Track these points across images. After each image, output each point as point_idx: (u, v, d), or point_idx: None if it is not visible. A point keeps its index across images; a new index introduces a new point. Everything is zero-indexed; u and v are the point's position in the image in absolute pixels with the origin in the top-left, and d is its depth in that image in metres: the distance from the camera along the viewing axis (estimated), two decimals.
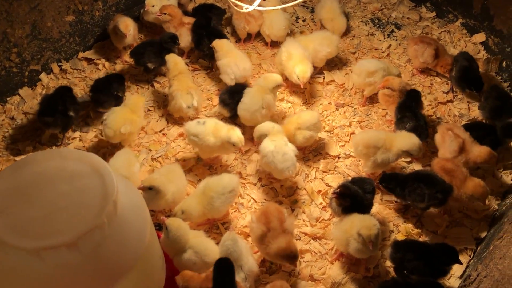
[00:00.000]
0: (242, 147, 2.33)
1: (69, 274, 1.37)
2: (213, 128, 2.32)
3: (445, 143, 2.40)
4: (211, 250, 1.95)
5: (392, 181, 2.25)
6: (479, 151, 2.34)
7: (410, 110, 2.51)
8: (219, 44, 2.77)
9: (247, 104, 2.53)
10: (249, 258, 1.95)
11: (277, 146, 2.27)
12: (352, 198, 2.05)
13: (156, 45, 2.85)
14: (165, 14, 2.98)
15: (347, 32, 3.35)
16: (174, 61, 2.66)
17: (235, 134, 2.29)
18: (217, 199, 2.11)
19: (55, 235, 1.35)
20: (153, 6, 3.09)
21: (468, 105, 2.89)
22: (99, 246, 1.40)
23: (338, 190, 2.08)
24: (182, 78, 2.62)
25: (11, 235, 1.34)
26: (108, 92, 2.66)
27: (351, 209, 2.05)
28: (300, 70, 2.65)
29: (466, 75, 2.77)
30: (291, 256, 1.91)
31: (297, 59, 2.71)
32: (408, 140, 2.31)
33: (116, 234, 1.45)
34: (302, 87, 2.71)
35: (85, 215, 1.39)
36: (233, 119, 2.69)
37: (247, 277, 1.90)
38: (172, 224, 1.91)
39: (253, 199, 2.39)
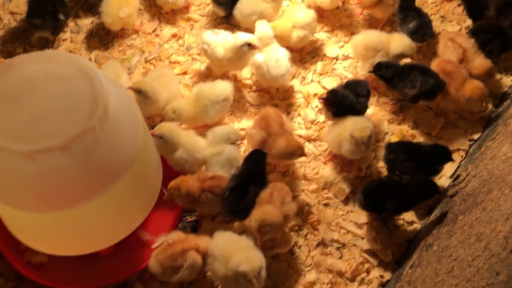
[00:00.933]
0: (259, 46, 2.21)
1: (62, 176, 1.40)
2: (224, 41, 2.23)
3: (445, 54, 2.32)
4: (202, 147, 1.99)
5: (388, 69, 2.20)
6: (479, 64, 2.26)
7: (412, 9, 2.41)
8: None
9: (242, 5, 2.43)
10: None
11: (268, 54, 2.21)
12: (339, 104, 2.04)
13: None
14: None
15: None
16: None
17: (246, 35, 2.20)
18: (210, 107, 2.09)
19: (47, 138, 1.36)
20: None
21: None
22: (92, 149, 1.42)
23: (325, 96, 2.07)
24: None
25: (4, 139, 1.35)
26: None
27: (342, 113, 2.05)
28: None
29: None
30: (298, 150, 1.95)
31: None
32: (399, 42, 2.25)
33: (109, 137, 1.47)
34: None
35: (76, 118, 1.39)
36: (227, 19, 2.59)
37: None
38: (163, 127, 1.92)
39: (249, 102, 2.38)
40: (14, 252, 1.85)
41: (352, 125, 1.98)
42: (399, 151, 2.01)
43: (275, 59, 2.21)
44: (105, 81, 1.48)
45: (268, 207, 1.77)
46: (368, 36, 2.32)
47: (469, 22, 2.61)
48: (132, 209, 1.73)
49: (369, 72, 2.25)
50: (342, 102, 2.05)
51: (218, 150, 1.97)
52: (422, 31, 2.32)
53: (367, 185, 1.96)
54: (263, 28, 2.27)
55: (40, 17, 2.40)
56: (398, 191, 1.89)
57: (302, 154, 1.98)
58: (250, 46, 2.18)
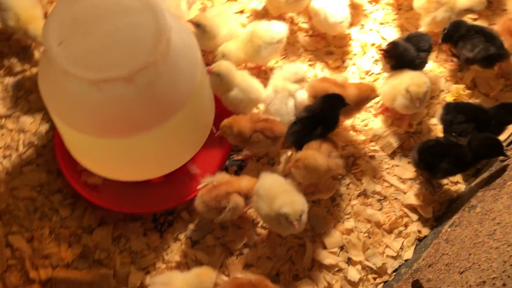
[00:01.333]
0: None
1: (124, 105, 1.47)
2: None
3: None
4: (256, 87, 2.02)
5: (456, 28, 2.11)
6: None
7: None
8: None
9: None
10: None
11: (327, 0, 2.15)
12: (399, 57, 2.00)
13: None
14: None
15: None
16: None
17: None
18: (264, 48, 2.08)
19: (112, 68, 1.42)
20: None
21: None
22: (153, 82, 1.47)
23: (385, 48, 2.02)
24: None
25: (73, 66, 1.42)
26: None
27: (400, 67, 2.01)
28: None
29: None
30: (371, 93, 2.01)
31: None
32: None
33: (169, 72, 1.51)
34: None
35: (140, 51, 1.44)
36: None
37: None
38: (221, 65, 1.94)
39: (303, 46, 2.36)
40: (72, 172, 1.98)
41: (409, 79, 1.94)
42: (458, 112, 1.95)
43: (334, 5, 2.17)
44: (169, 17, 1.50)
45: (312, 152, 1.80)
46: None
47: None
48: (185, 143, 1.80)
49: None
50: (403, 55, 2.00)
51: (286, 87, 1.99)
52: None
53: (423, 143, 1.93)
54: None
55: None
56: (455, 152, 1.86)
57: (376, 94, 2.00)
58: None
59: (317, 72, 2.29)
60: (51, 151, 2.08)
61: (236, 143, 1.96)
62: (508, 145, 2.01)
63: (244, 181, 1.84)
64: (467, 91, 2.23)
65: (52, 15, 1.47)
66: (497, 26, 2.19)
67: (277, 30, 2.13)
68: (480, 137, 1.87)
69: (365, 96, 1.99)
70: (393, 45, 2.03)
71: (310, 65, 2.31)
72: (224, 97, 2.00)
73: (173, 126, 1.60)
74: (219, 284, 1.72)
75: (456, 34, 2.11)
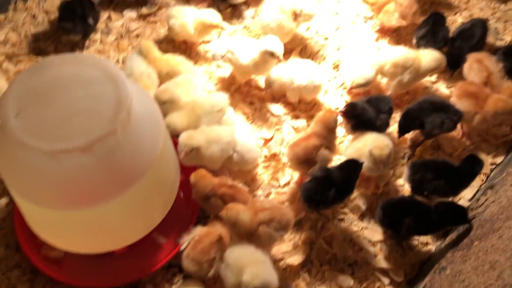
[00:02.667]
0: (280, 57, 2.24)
1: (83, 176, 1.44)
2: (247, 48, 2.26)
3: (470, 76, 2.29)
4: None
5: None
6: (507, 87, 2.22)
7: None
8: None
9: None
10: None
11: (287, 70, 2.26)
12: (358, 117, 2.06)
13: None
14: None
15: None
16: None
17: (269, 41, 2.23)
18: (203, 117, 2.09)
19: (70, 139, 1.40)
20: None
21: (504, 25, 2.72)
22: (113, 152, 1.45)
23: (344, 108, 2.09)
24: None
25: (30, 136, 1.40)
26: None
27: (361, 127, 2.06)
28: None
29: None
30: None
31: None
32: (430, 56, 2.25)
33: (130, 141, 1.50)
34: None
35: (99, 121, 1.43)
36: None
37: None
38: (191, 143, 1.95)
39: (270, 111, 2.39)
40: (31, 246, 1.90)
41: (371, 142, 1.97)
42: (425, 170, 1.96)
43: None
44: (130, 86, 1.52)
45: (240, 207, 1.77)
46: (396, 53, 2.31)
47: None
48: (149, 212, 1.76)
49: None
50: (361, 114, 2.05)
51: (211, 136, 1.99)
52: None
53: (388, 200, 1.95)
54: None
55: (70, 21, 2.47)
56: (419, 210, 1.87)
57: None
58: (272, 55, 2.21)
59: (284, 136, 2.31)
60: (10, 225, 2.00)
61: (196, 198, 1.93)
62: (474, 203, 2.03)
63: (219, 227, 1.82)
64: (431, 151, 2.27)
65: (10, 87, 1.47)
66: (455, 89, 2.27)
67: (217, 100, 2.15)
68: (445, 204, 1.89)
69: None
70: (351, 106, 2.09)
71: (277, 129, 2.34)
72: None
73: (135, 194, 1.57)
74: None
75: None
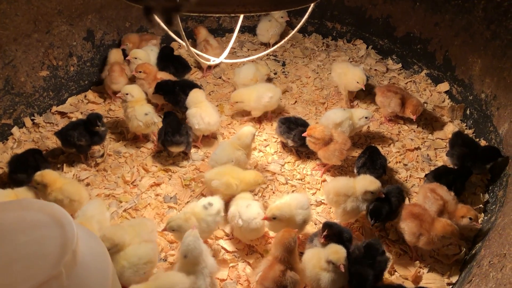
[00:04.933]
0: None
1: None
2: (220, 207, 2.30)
3: (426, 205, 2.40)
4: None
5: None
6: (459, 209, 2.37)
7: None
8: (192, 95, 2.87)
9: (217, 156, 2.58)
10: (208, 257, 2.02)
11: (239, 205, 2.31)
12: (338, 234, 2.17)
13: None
14: (140, 72, 3.07)
15: (317, 84, 3.47)
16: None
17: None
18: (128, 269, 2.05)
19: (12, 285, 1.32)
20: (135, 58, 3.21)
21: (435, 152, 2.97)
22: None
23: (325, 233, 2.15)
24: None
25: None
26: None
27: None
28: None
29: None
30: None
31: None
32: (367, 182, 2.36)
33: (76, 284, 1.42)
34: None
35: (43, 266, 1.36)
36: None
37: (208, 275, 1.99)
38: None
39: (224, 248, 2.37)
40: None
41: (325, 251, 2.05)
42: None
43: (246, 205, 2.30)
44: (78, 229, 1.49)
45: None
46: (338, 183, 2.42)
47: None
48: None
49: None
50: (339, 232, 2.17)
51: None
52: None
53: None
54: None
55: (24, 172, 2.49)
56: None
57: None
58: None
59: (240, 273, 2.26)
60: None
61: None
62: None
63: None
64: (387, 276, 2.26)
65: None
66: (402, 210, 2.36)
67: (143, 252, 2.10)
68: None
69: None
70: (327, 226, 2.19)
71: (232, 266, 2.29)
72: None
73: None
74: None
75: None
